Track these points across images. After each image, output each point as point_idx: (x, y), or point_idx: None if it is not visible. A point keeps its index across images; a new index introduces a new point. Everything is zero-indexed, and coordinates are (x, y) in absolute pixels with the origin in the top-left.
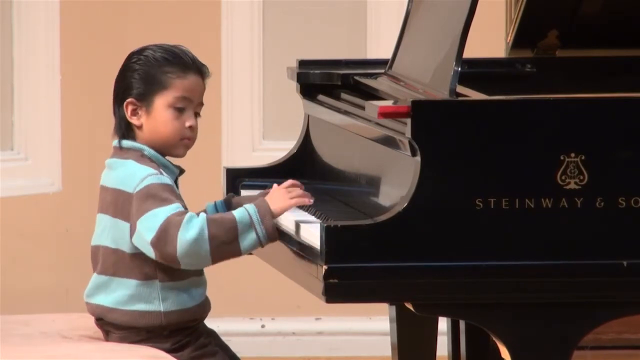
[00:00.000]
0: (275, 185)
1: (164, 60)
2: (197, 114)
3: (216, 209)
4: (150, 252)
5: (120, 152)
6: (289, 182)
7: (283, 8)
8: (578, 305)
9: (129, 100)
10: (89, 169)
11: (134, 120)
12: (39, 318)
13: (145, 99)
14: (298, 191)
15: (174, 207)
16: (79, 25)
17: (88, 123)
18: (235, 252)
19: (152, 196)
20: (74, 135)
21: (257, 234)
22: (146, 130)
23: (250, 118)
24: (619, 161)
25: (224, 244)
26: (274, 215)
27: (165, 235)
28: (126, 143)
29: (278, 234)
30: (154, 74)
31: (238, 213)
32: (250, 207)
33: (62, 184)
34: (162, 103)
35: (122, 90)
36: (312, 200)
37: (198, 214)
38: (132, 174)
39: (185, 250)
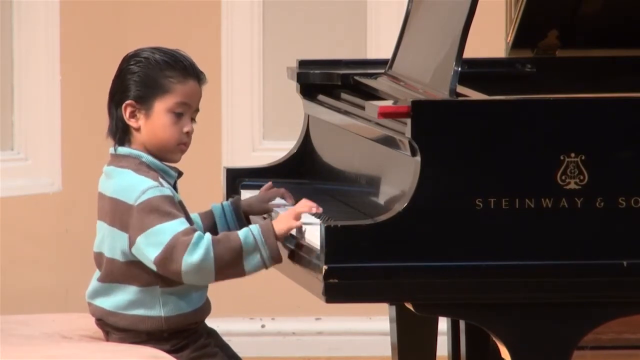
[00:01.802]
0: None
1: (165, 63)
2: (192, 120)
3: (223, 211)
4: (152, 267)
5: (117, 159)
6: (303, 200)
7: (283, 8)
8: (578, 305)
9: (127, 102)
10: (89, 169)
11: (132, 123)
12: (39, 318)
13: (144, 102)
14: (301, 207)
15: (179, 223)
16: (79, 25)
17: (88, 123)
18: (239, 273)
19: (155, 210)
20: (74, 135)
21: (261, 256)
22: (144, 133)
23: (250, 118)
24: (619, 161)
25: (229, 266)
26: (278, 237)
27: (170, 255)
28: (122, 150)
29: (281, 256)
30: (155, 77)
31: (243, 235)
32: (254, 229)
33: (62, 184)
34: (162, 107)
35: (120, 91)
36: (320, 210)
37: (199, 225)
38: (131, 185)
39: (189, 271)
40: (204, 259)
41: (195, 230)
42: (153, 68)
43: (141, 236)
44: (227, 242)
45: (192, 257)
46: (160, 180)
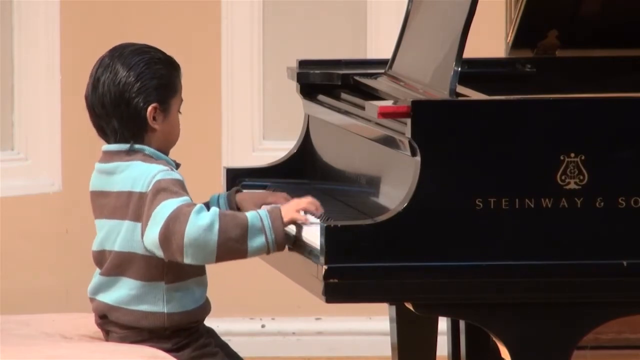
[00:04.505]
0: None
1: (169, 63)
2: None
3: (218, 202)
4: (157, 246)
5: (118, 155)
6: (309, 198)
7: (283, 8)
8: (578, 305)
9: (154, 105)
10: (89, 169)
11: (155, 125)
12: (39, 318)
13: (165, 103)
14: (306, 203)
15: (184, 199)
16: (79, 25)
17: (88, 123)
18: (242, 252)
19: (163, 190)
20: (74, 135)
21: (266, 239)
22: (161, 133)
23: (250, 118)
24: (619, 161)
25: (232, 240)
26: (285, 224)
27: (173, 224)
28: (124, 146)
29: (285, 244)
30: (172, 78)
31: (250, 215)
32: (262, 212)
33: (62, 184)
34: (175, 107)
35: (142, 95)
36: (321, 210)
37: (209, 209)
38: (141, 174)
39: (193, 238)
40: (209, 227)
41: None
42: (166, 70)
43: (151, 215)
44: (234, 218)
45: (196, 222)
46: (172, 167)
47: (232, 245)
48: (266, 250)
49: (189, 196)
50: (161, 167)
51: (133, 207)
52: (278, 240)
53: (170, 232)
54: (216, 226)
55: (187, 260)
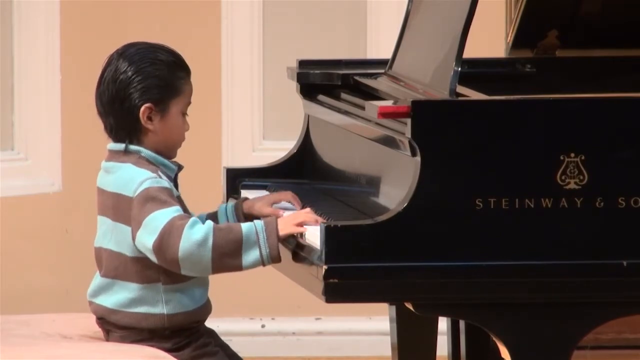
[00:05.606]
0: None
1: (175, 65)
2: None
3: (225, 211)
4: (152, 256)
5: (117, 154)
6: (307, 210)
7: (283, 8)
8: (578, 305)
9: (147, 105)
10: (89, 169)
11: (148, 125)
12: (39, 318)
13: (162, 104)
14: (304, 216)
15: (174, 210)
16: (79, 25)
17: (88, 123)
18: (237, 266)
19: (152, 199)
20: (74, 135)
21: (260, 253)
22: (158, 135)
23: (250, 118)
24: (619, 161)
25: (226, 255)
26: (280, 238)
27: (167, 238)
28: (122, 146)
29: (280, 257)
30: (171, 79)
31: (245, 228)
32: (258, 224)
33: (62, 184)
34: (176, 109)
35: (137, 93)
36: (319, 220)
37: (204, 221)
38: (131, 178)
39: (187, 253)
40: (202, 242)
41: (191, 216)
42: (169, 70)
43: (140, 225)
44: (228, 233)
45: (190, 237)
46: (160, 173)
47: (227, 260)
48: (261, 263)
49: (178, 205)
50: (150, 174)
51: (122, 210)
52: (272, 255)
53: (164, 246)
54: (210, 241)
55: (184, 272)
